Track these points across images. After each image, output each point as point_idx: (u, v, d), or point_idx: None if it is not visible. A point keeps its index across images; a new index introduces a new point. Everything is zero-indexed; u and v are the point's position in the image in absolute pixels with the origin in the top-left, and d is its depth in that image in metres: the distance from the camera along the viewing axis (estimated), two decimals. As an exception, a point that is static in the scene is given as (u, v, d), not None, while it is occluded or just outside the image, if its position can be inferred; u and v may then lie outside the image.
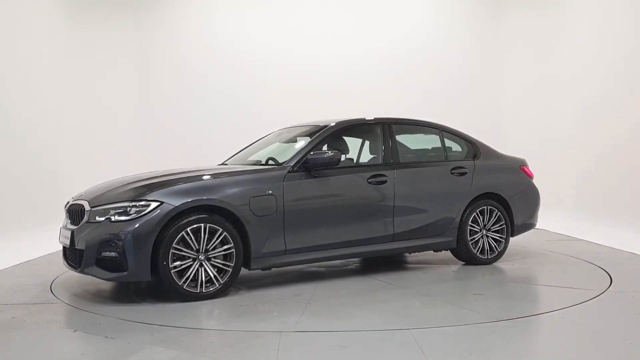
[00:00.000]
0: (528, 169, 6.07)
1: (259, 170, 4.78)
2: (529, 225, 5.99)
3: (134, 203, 4.21)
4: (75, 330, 3.64)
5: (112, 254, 4.12)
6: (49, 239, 6.70)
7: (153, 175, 4.76)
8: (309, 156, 4.80)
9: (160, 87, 10.15)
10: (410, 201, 5.23)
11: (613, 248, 6.46)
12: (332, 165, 4.85)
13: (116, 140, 9.84)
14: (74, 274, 5.33)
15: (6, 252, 6.34)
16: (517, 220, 5.77)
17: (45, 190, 8.09)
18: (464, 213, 5.48)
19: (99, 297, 4.53)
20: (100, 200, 4.40)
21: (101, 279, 4.26)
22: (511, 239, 5.81)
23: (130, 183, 4.58)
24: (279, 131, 5.94)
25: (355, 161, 5.59)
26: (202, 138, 9.91)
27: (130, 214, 4.17)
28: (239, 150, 6.00)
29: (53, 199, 8.05)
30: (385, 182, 5.11)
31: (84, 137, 9.35)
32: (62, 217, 4.89)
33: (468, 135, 5.88)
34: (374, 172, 5.12)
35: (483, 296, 4.33)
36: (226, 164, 5.63)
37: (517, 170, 5.97)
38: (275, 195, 4.58)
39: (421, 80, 10.10)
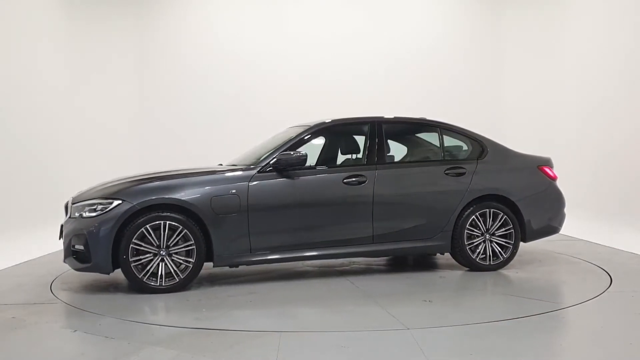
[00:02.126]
0: (549, 169, 5.63)
1: (227, 171, 4.91)
2: (549, 230, 5.56)
3: (100, 201, 4.57)
4: (75, 330, 3.64)
5: (80, 247, 4.52)
6: (49, 239, 6.71)
7: (137, 175, 5.00)
8: (278, 156, 4.85)
9: (160, 87, 10.14)
10: (392, 202, 5.05)
11: (613, 248, 6.46)
12: (300, 165, 4.87)
13: (116, 141, 9.84)
14: (74, 274, 5.36)
15: (6, 252, 6.34)
16: (532, 225, 5.36)
17: (45, 191, 8.09)
18: (460, 216, 5.19)
19: (99, 297, 4.53)
20: (81, 197, 4.76)
21: (73, 269, 4.67)
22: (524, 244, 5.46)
23: (111, 182, 4.88)
24: (286, 130, 5.92)
25: (335, 161, 5.56)
26: (203, 138, 9.91)
27: (97, 211, 4.52)
28: (248, 151, 5.98)
29: (53, 199, 8.05)
30: (364, 182, 4.99)
31: (84, 137, 9.36)
32: (62, 217, 5.01)
33: (475, 134, 5.56)
34: (352, 172, 5.03)
35: (432, 303, 4.19)
36: (221, 164, 5.63)
37: (533, 170, 5.53)
38: (239, 195, 4.68)
39: (421, 80, 10.10)
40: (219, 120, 9.95)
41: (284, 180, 4.84)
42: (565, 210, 5.65)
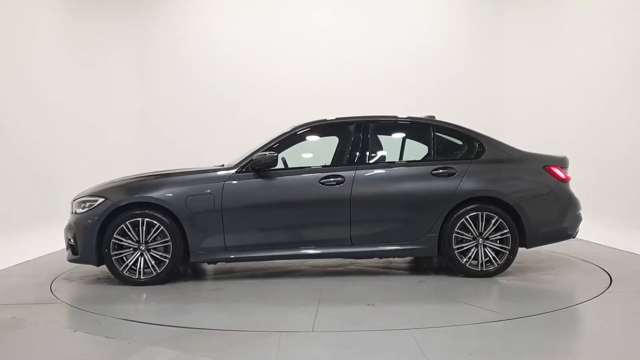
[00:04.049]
0: (560, 169, 5.21)
1: (206, 171, 5.10)
2: (557, 235, 5.20)
3: (88, 198, 4.95)
4: (75, 330, 3.64)
5: (72, 240, 4.94)
6: (49, 239, 6.71)
7: (136, 175, 5.31)
8: (254, 157, 4.95)
9: (160, 89, 10.15)
10: (371, 204, 4.94)
11: (613, 248, 6.47)
12: (271, 165, 4.94)
13: (116, 143, 9.85)
14: (74, 274, 5.39)
15: (6, 252, 6.35)
16: (534, 229, 5.02)
17: (45, 191, 8.09)
18: (447, 218, 4.96)
19: (99, 297, 4.54)
20: (79, 195, 5.14)
21: (67, 260, 5.04)
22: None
23: (107, 182, 5.24)
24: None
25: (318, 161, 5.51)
26: (205, 139, 9.92)
27: (85, 208, 4.91)
28: (244, 152, 5.98)
29: (53, 199, 8.06)
30: (341, 183, 4.95)
31: (84, 138, 9.36)
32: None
33: (474, 133, 5.30)
34: (329, 172, 5.00)
35: (373, 307, 4.09)
36: (223, 165, 5.65)
37: (538, 171, 5.16)
38: (214, 194, 4.86)
39: (421, 81, 10.09)
40: (220, 121, 9.97)
41: (260, 181, 4.96)
42: (581, 212, 5.29)
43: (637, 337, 3.38)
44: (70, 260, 5.00)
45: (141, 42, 10.16)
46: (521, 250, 5.19)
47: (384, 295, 4.48)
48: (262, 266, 5.73)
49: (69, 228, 4.98)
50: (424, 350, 3.13)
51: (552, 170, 5.18)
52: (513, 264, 5.20)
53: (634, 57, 7.49)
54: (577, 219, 5.27)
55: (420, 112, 6.35)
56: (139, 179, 5.07)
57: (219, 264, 5.62)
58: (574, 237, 5.33)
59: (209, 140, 9.86)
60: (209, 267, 5.75)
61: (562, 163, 5.30)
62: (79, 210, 4.93)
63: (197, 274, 5.48)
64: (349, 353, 3.12)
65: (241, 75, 10.05)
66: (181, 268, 5.68)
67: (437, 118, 5.63)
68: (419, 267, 5.72)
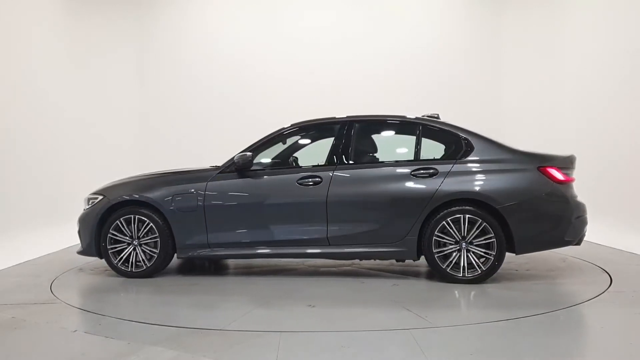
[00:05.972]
0: (558, 169, 4.81)
1: (192, 172, 5.38)
2: (551, 241, 4.84)
3: (92, 196, 5.36)
4: (75, 330, 3.64)
5: (79, 234, 5.36)
6: (49, 239, 6.71)
7: (134, 175, 5.64)
8: (235, 158, 5.10)
9: (161, 91, 10.15)
10: (347, 204, 4.88)
11: (613, 248, 6.46)
12: (248, 166, 5.08)
13: (116, 143, 9.85)
14: (74, 274, 5.40)
15: (6, 252, 6.35)
16: (524, 235, 4.69)
17: (45, 191, 8.09)
18: (427, 221, 4.77)
19: (99, 297, 4.54)
20: (90, 192, 5.47)
21: (76, 252, 5.43)
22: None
23: (113, 181, 5.59)
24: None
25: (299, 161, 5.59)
26: (203, 141, 9.92)
27: (89, 204, 5.33)
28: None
29: (53, 199, 8.05)
30: (319, 183, 4.94)
31: (83, 138, 9.35)
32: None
33: (464, 131, 5.04)
34: (307, 173, 5.01)
35: (313, 308, 4.08)
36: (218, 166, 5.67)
37: (531, 171, 4.78)
38: (198, 193, 5.10)
39: (421, 81, 10.08)
40: (220, 121, 9.96)
41: (240, 181, 5.12)
42: (587, 217, 4.98)
43: (637, 337, 3.39)
44: (77, 252, 5.38)
45: (141, 42, 10.16)
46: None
47: (340, 297, 4.42)
48: (262, 264, 5.75)
49: (77, 223, 5.40)
50: (424, 350, 3.13)
51: (547, 171, 4.78)
52: (514, 265, 5.18)
53: (634, 57, 7.48)
54: (579, 224, 4.87)
55: (420, 112, 6.35)
56: (135, 178, 5.44)
57: (236, 261, 6.03)
58: (576, 244, 4.95)
59: (209, 140, 9.87)
60: (230, 262, 6.02)
61: (562, 163, 4.90)
62: (85, 207, 5.36)
63: (196, 269, 5.49)
64: (348, 353, 3.12)
65: (241, 75, 10.05)
66: (206, 264, 5.97)
67: (440, 117, 5.59)
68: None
